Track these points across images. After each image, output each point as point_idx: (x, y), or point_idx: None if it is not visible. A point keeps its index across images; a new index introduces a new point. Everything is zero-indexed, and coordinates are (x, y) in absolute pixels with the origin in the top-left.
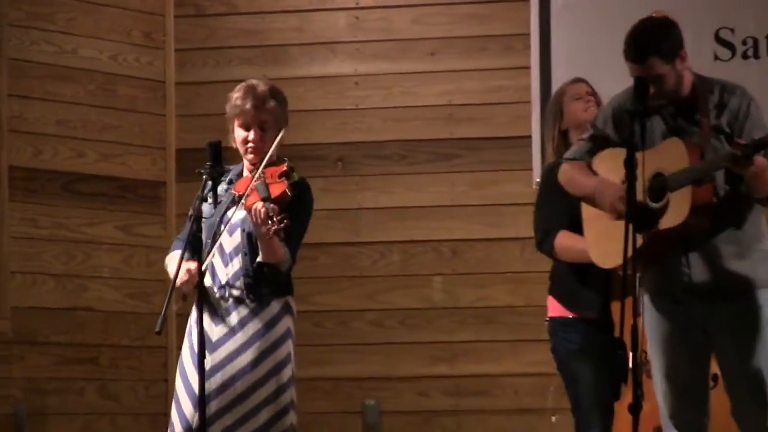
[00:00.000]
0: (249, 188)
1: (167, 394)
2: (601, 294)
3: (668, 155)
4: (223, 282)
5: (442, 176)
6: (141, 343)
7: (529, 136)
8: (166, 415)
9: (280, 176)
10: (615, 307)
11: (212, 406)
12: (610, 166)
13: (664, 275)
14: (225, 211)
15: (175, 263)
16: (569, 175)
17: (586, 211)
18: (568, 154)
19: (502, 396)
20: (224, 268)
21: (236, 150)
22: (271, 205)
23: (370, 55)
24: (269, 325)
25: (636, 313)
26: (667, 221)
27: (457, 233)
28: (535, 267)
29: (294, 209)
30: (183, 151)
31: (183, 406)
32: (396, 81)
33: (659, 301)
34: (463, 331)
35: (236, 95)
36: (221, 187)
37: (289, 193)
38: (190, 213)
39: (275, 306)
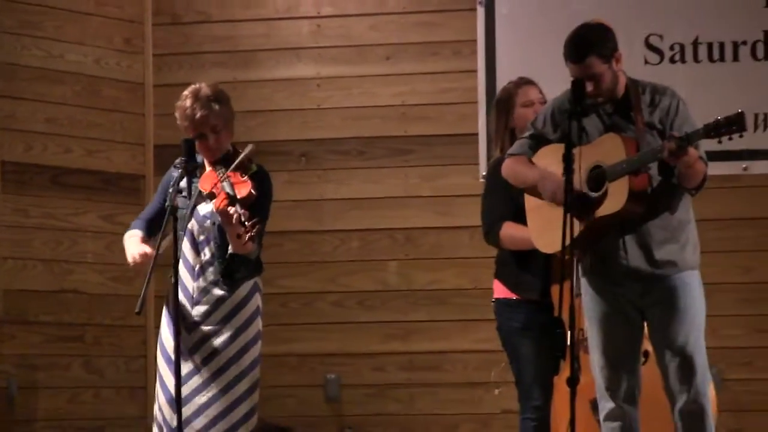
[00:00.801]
0: (216, 188)
1: (146, 368)
2: (542, 277)
3: (606, 149)
4: (196, 268)
5: (396, 170)
6: (122, 322)
7: (476, 134)
8: (145, 388)
9: (242, 174)
10: (555, 289)
11: (194, 382)
12: (550, 161)
13: (602, 258)
14: (195, 205)
15: (133, 240)
16: (513, 168)
17: (529, 201)
18: (510, 150)
19: (451, 371)
20: (196, 256)
21: None
22: (243, 211)
23: (331, 60)
24: (241, 305)
25: (574, 295)
26: (606, 209)
27: (410, 222)
28: (482, 253)
29: (257, 199)
30: (160, 147)
31: (166, 380)
32: (354, 83)
33: (597, 282)
34: (416, 311)
35: (186, 104)
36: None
37: (254, 193)
38: (166, 204)
39: (245, 287)
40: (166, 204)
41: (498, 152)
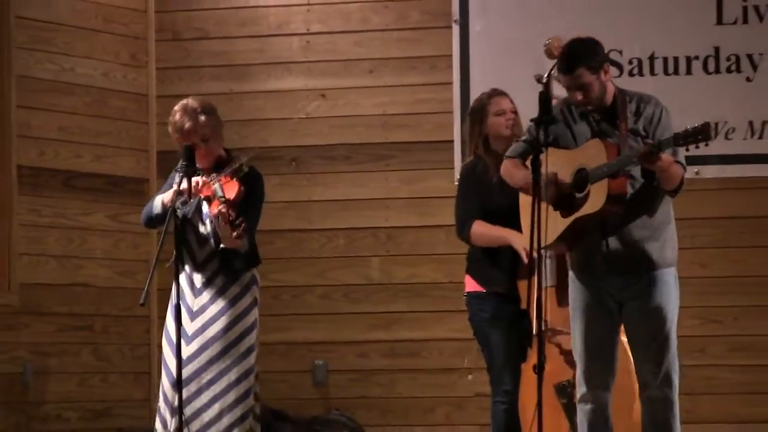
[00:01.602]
0: (209, 191)
1: (149, 355)
2: (509, 272)
3: (590, 153)
4: (200, 260)
5: (378, 174)
6: (128, 313)
7: (451, 141)
8: (149, 374)
9: (232, 175)
10: (522, 283)
11: (192, 366)
12: (557, 157)
13: (586, 254)
14: (198, 206)
15: (162, 196)
16: (508, 169)
17: (522, 198)
18: (508, 153)
19: (429, 357)
20: (200, 249)
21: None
22: (231, 212)
23: (319, 73)
24: (239, 296)
25: (539, 289)
26: (587, 209)
27: (391, 221)
28: (456, 250)
29: (248, 198)
30: (162, 153)
31: (169, 365)
32: (340, 94)
33: (582, 276)
34: (396, 303)
35: (175, 118)
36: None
37: (242, 190)
38: (168, 206)
39: (244, 279)
40: (168, 206)
41: (471, 156)
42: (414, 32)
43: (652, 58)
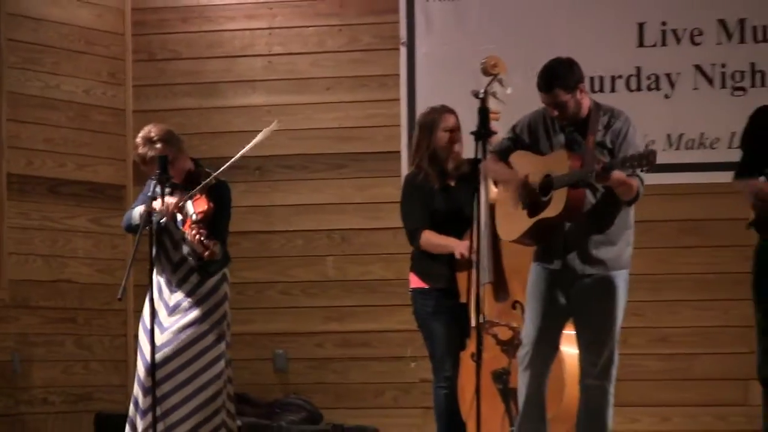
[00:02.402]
0: (179, 209)
1: (126, 345)
2: (449, 270)
3: (556, 161)
4: (175, 261)
5: (334, 181)
6: (107, 307)
7: (399, 151)
8: (126, 362)
9: (201, 192)
10: (461, 278)
11: (165, 353)
12: (523, 162)
13: (547, 251)
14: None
15: (140, 208)
16: (491, 166)
17: (501, 192)
18: (491, 148)
19: (378, 347)
20: (175, 251)
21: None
22: (203, 231)
23: (280, 90)
24: (211, 292)
25: (479, 284)
26: (548, 212)
27: (345, 224)
28: (403, 250)
29: (218, 209)
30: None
31: (145, 352)
32: (299, 110)
33: (541, 269)
34: (349, 298)
35: (139, 151)
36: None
37: (212, 205)
38: (145, 207)
39: (215, 277)
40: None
41: (414, 168)
42: (365, 54)
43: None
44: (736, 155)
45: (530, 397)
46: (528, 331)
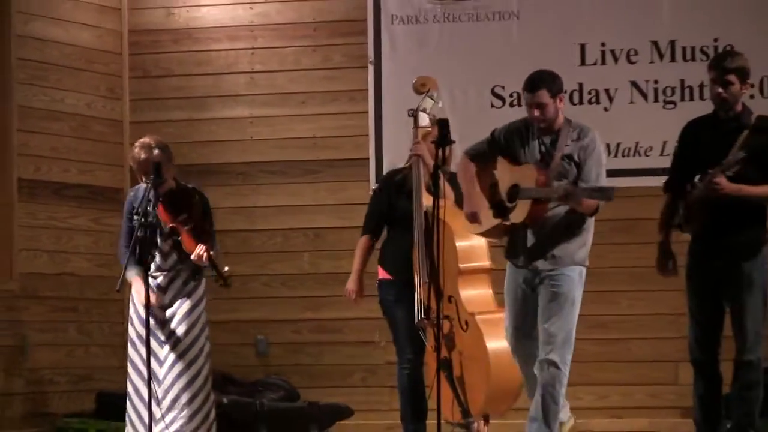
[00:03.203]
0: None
1: (123, 332)
2: (410, 262)
3: (525, 173)
4: (166, 267)
5: (309, 185)
6: (106, 297)
7: (367, 158)
8: (123, 346)
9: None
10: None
11: (163, 334)
12: (503, 168)
13: (515, 249)
14: (157, 238)
15: (138, 284)
16: (462, 170)
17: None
18: (467, 149)
19: (349, 333)
20: (165, 260)
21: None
22: (210, 253)
23: (261, 104)
24: (197, 287)
25: (422, 281)
26: (512, 218)
27: (319, 223)
28: (376, 245)
29: (206, 218)
30: None
31: (138, 345)
32: (278, 121)
33: (511, 265)
34: (323, 289)
35: (134, 153)
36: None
37: (193, 241)
38: (137, 210)
39: (199, 277)
40: (137, 218)
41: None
42: (337, 71)
43: None
44: (667, 162)
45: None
46: (507, 326)
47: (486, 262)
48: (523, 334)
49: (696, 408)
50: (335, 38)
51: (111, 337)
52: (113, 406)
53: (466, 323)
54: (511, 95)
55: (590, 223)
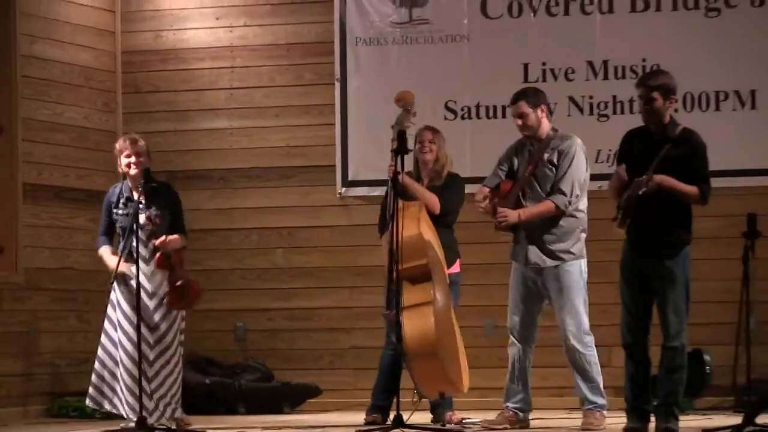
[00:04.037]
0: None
1: None
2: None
3: (506, 188)
4: (147, 257)
5: (283, 188)
6: (102, 288)
7: (334, 165)
8: None
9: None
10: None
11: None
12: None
13: (516, 249)
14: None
15: (108, 257)
16: (481, 197)
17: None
18: (485, 182)
19: (318, 321)
20: (145, 248)
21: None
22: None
23: (239, 117)
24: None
25: (394, 281)
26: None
27: (292, 222)
28: (337, 243)
29: (177, 211)
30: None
31: (127, 330)
32: (255, 132)
33: (515, 264)
34: (295, 282)
35: (122, 141)
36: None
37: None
38: (115, 204)
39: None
40: (117, 212)
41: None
42: (307, 87)
43: (478, 106)
44: (601, 168)
45: (515, 368)
46: (510, 317)
47: (422, 260)
48: (523, 323)
49: (627, 387)
50: (306, 58)
51: None
52: None
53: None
54: (462, 109)
55: (579, 221)
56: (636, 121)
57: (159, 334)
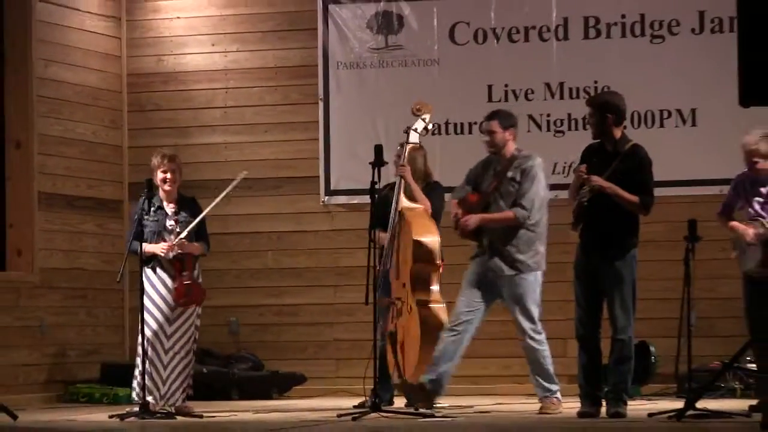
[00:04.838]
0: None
1: (123, 315)
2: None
3: (471, 198)
4: (171, 257)
5: (272, 197)
6: (109, 287)
7: (317, 176)
8: (123, 326)
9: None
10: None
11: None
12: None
13: (478, 252)
14: (165, 222)
15: (141, 247)
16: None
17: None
18: (454, 195)
19: (304, 316)
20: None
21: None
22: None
23: (233, 133)
24: (199, 275)
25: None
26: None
27: (281, 227)
28: (321, 246)
29: (201, 222)
30: (132, 184)
31: (150, 323)
32: (247, 146)
33: (476, 261)
34: (283, 281)
35: (158, 157)
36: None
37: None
38: (135, 217)
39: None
40: (135, 217)
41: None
42: (294, 106)
43: (447, 123)
44: (557, 179)
45: (447, 350)
46: (459, 307)
47: (437, 261)
48: (471, 317)
49: (580, 375)
50: (292, 80)
51: (113, 319)
52: (115, 374)
53: (410, 308)
54: (432, 126)
55: (541, 231)
56: (588, 136)
57: (175, 326)
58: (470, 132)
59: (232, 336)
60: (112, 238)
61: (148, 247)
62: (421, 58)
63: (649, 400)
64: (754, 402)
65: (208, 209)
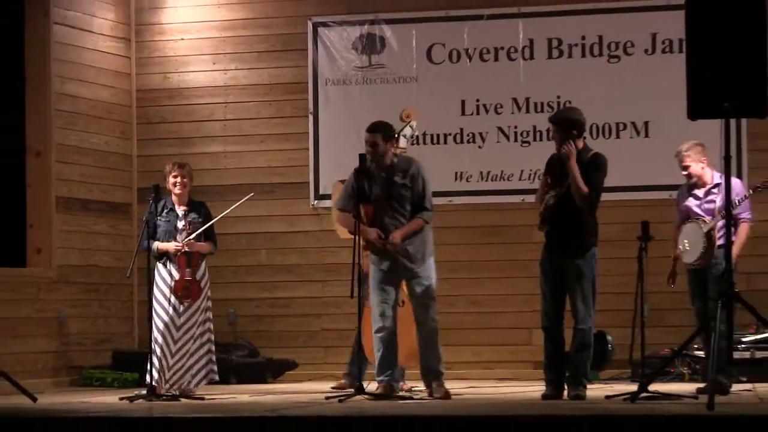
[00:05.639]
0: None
1: (132, 307)
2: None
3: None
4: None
5: (267, 201)
6: (120, 282)
7: (307, 182)
8: (132, 317)
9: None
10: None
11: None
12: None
13: (380, 258)
14: (176, 223)
15: (158, 246)
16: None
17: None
18: (338, 205)
19: (295, 308)
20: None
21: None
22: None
23: (231, 143)
24: (205, 271)
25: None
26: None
27: (274, 228)
28: (312, 245)
29: (207, 221)
30: (140, 189)
31: (161, 314)
32: (244, 155)
33: (382, 263)
34: (276, 276)
35: (170, 165)
36: (160, 205)
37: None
38: (145, 219)
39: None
40: (145, 219)
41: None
42: (286, 119)
43: (424, 135)
44: (523, 185)
45: (389, 348)
46: (380, 304)
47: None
48: (388, 310)
49: (545, 362)
50: (286, 95)
51: (124, 311)
52: (125, 361)
53: (403, 302)
54: (411, 137)
55: (426, 237)
56: (552, 146)
57: (184, 318)
58: (445, 142)
59: (231, 326)
60: (122, 237)
61: (161, 245)
62: (401, 76)
63: (606, 383)
64: (701, 385)
65: (216, 219)
